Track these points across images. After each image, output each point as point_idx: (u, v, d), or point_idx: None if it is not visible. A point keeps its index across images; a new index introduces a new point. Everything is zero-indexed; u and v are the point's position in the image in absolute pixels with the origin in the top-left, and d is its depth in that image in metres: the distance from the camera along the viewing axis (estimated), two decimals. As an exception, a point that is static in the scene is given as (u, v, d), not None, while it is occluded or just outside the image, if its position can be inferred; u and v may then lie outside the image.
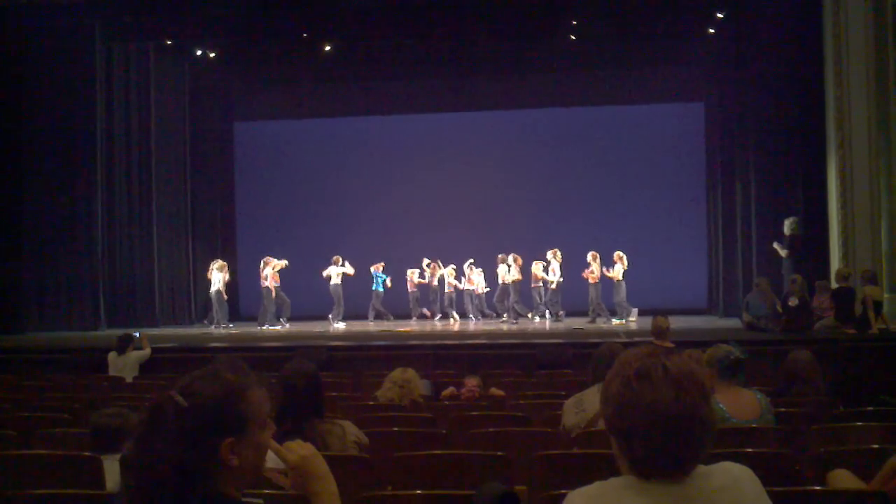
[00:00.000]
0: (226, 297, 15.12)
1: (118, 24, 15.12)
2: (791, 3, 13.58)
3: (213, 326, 15.06)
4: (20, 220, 14.56)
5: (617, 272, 14.45)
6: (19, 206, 14.54)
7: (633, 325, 13.55)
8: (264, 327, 14.71)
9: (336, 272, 15.37)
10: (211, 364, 1.89)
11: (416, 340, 11.69)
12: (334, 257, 15.49)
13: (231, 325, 15.03)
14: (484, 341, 11.36)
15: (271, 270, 14.91)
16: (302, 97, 18.15)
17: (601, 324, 14.12)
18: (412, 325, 14.99)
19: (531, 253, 15.41)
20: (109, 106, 15.49)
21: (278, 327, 14.84)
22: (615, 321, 14.22)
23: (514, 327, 14.07)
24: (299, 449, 1.95)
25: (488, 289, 16.06)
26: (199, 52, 16.43)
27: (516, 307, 15.08)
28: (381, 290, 16.10)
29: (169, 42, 16.12)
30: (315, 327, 14.78)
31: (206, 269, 16.63)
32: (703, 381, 1.75)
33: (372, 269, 15.97)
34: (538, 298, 15.58)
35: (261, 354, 10.78)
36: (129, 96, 15.86)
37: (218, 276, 14.94)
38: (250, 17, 14.79)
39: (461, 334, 13.05)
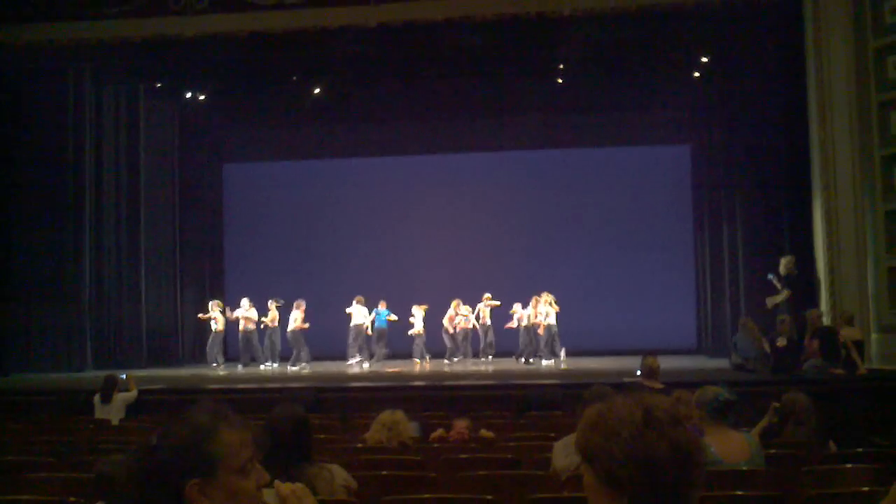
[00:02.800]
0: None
1: (109, 67, 15.21)
2: (774, 46, 13.77)
3: (293, 366, 15.01)
4: (7, 260, 14.52)
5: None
6: (7, 246, 14.51)
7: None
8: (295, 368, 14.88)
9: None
10: (191, 406, 1.88)
11: (404, 382, 11.64)
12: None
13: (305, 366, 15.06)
14: (473, 382, 11.31)
15: (299, 314, 15.10)
16: (291, 139, 18.23)
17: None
18: (400, 367, 14.89)
19: (516, 293, 15.40)
20: (99, 147, 15.53)
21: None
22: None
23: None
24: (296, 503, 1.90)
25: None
26: (188, 95, 16.52)
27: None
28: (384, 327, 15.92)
29: (159, 84, 16.23)
30: (306, 368, 14.70)
31: (194, 310, 16.72)
32: (688, 414, 1.78)
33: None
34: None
35: (249, 396, 10.68)
36: (118, 138, 15.90)
37: (296, 315, 15.08)
38: (240, 60, 14.89)
39: (450, 375, 12.99)
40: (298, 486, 1.94)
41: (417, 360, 15.47)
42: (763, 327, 11.97)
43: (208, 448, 1.77)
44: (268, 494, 1.89)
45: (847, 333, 10.74)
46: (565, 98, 16.33)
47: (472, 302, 15.84)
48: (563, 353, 14.89)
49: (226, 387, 11.76)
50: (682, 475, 1.67)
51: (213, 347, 15.34)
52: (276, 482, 1.91)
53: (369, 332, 15.47)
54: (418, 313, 15.67)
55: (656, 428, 1.69)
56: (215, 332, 15.36)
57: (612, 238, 17.20)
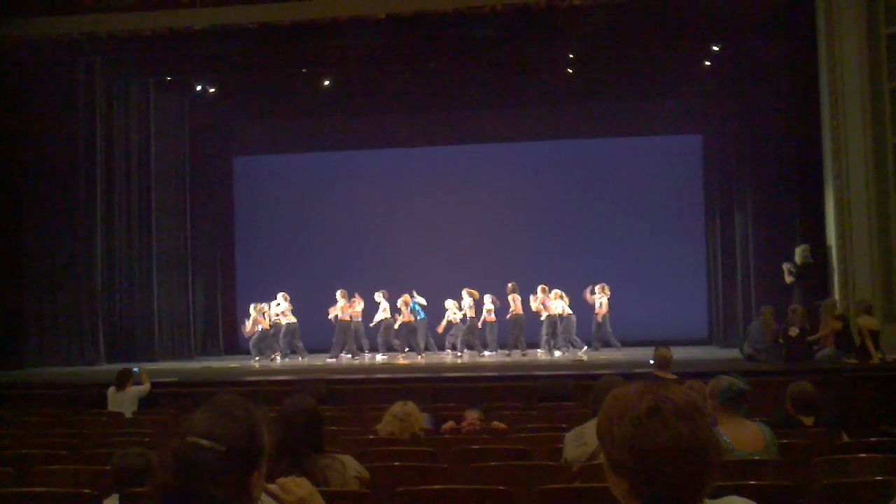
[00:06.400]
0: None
1: (119, 61, 15.24)
2: (786, 35, 13.70)
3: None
4: (20, 254, 14.56)
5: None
6: (20, 241, 14.56)
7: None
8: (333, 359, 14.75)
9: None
10: (213, 402, 1.90)
11: (416, 373, 11.65)
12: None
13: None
14: (484, 374, 11.31)
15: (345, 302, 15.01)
16: (301, 131, 18.24)
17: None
18: (411, 358, 14.89)
19: (527, 285, 15.29)
20: (110, 141, 15.55)
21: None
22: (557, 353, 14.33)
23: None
24: (296, 489, 1.95)
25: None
26: (198, 88, 16.54)
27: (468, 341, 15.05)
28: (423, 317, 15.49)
29: (169, 78, 16.25)
30: (315, 360, 14.71)
31: (205, 303, 16.76)
32: (705, 406, 1.74)
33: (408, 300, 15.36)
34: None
35: (261, 389, 10.73)
36: (129, 132, 15.93)
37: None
38: (250, 52, 14.91)
39: (461, 367, 13.00)
40: (305, 486, 1.98)
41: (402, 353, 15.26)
42: (779, 317, 11.93)
43: (262, 441, 1.88)
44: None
45: (864, 322, 10.70)
46: (575, 88, 16.28)
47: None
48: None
49: (238, 379, 11.81)
50: (682, 469, 1.65)
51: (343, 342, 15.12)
52: (276, 489, 1.95)
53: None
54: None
55: (660, 418, 1.67)
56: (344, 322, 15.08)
57: (623, 228, 17.14)
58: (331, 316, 15.00)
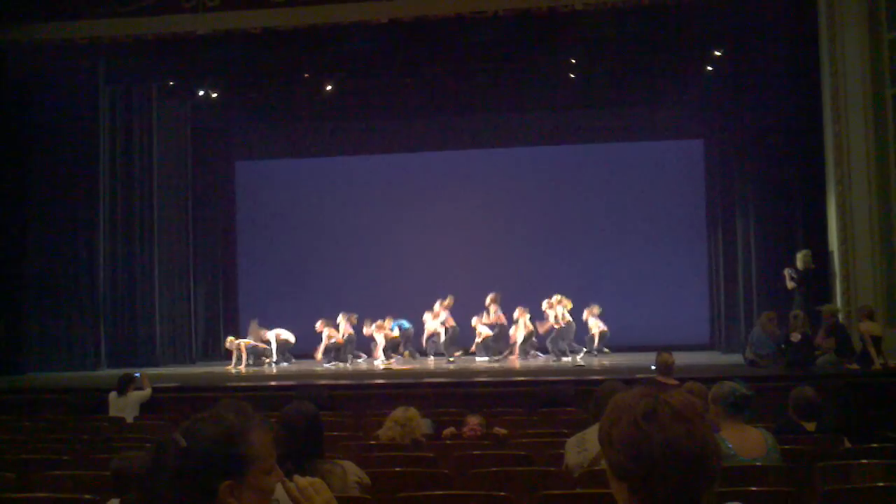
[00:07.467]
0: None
1: (121, 66, 15.25)
2: (788, 40, 13.70)
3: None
4: (22, 259, 14.57)
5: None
6: (22, 245, 14.57)
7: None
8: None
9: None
10: (215, 405, 1.88)
11: (417, 379, 11.64)
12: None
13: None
14: (485, 379, 11.30)
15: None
16: (303, 136, 18.23)
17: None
18: (411, 364, 14.89)
19: (529, 292, 15.28)
20: (112, 146, 15.57)
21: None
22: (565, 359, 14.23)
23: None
24: (316, 497, 1.90)
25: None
26: (201, 93, 16.54)
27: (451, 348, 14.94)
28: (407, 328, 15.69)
29: (171, 83, 16.26)
30: (316, 367, 14.69)
31: (207, 308, 16.72)
32: (704, 412, 1.73)
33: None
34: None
35: (262, 394, 10.72)
36: (131, 137, 15.94)
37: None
38: (252, 57, 14.93)
39: (462, 372, 12.98)
40: (316, 479, 1.95)
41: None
42: (781, 323, 11.90)
43: (240, 450, 1.80)
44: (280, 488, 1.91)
45: (866, 328, 10.68)
46: (577, 93, 16.28)
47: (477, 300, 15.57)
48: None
49: (239, 385, 11.80)
50: (680, 473, 1.65)
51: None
52: (295, 476, 1.92)
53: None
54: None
55: (656, 421, 1.67)
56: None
57: (625, 234, 17.14)
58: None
